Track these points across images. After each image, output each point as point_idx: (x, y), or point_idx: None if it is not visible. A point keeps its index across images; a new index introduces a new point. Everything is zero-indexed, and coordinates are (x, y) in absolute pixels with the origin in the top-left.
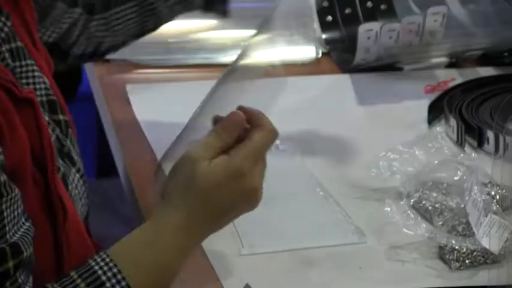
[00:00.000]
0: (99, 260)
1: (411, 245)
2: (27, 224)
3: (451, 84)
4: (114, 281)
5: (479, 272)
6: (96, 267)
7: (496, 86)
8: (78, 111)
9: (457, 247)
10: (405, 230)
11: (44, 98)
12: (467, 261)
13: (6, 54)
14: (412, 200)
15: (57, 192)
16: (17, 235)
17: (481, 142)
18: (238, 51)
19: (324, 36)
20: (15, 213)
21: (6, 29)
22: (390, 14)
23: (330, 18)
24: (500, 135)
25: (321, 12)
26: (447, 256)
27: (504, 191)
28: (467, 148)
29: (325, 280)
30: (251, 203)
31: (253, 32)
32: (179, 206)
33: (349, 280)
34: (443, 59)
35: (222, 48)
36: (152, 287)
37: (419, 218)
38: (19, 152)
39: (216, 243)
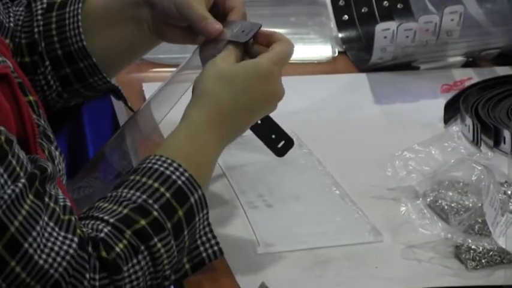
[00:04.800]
0: (154, 160)
1: (427, 244)
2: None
3: (468, 83)
4: (178, 173)
5: (496, 272)
6: (156, 166)
7: None
8: (95, 109)
9: (473, 246)
10: (421, 229)
11: None
12: (483, 261)
13: None
14: (428, 199)
15: None
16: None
17: (497, 141)
18: None
19: (340, 35)
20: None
21: None
22: (406, 13)
23: (346, 17)
24: None
25: (338, 11)
26: (463, 255)
27: None
28: (483, 147)
29: (341, 279)
30: (271, 105)
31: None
32: (212, 103)
33: (366, 279)
34: (460, 58)
35: None
36: (202, 181)
37: (435, 217)
38: (4, 123)
39: (233, 241)
